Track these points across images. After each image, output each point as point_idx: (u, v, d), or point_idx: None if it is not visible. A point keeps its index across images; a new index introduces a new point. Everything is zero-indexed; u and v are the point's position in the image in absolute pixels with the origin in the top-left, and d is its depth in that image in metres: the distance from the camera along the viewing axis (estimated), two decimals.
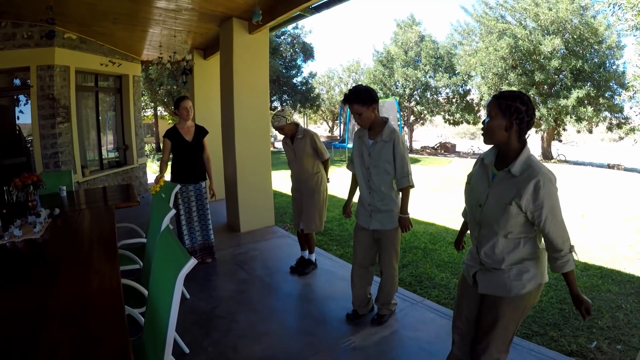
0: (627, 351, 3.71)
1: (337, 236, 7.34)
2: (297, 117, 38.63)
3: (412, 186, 3.65)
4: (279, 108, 4.84)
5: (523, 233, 2.29)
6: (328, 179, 5.12)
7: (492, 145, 2.40)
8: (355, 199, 4.12)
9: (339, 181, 11.95)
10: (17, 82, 7.56)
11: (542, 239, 2.33)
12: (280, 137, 5.01)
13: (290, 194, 5.37)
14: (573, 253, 2.27)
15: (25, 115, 7.61)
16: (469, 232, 2.72)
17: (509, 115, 2.18)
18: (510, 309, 2.36)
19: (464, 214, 2.83)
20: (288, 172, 5.31)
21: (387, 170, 3.61)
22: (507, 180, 2.25)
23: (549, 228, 2.19)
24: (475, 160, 2.58)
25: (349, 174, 4.15)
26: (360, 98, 3.50)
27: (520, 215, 2.21)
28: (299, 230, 5.24)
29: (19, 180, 3.88)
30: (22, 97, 7.65)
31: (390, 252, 3.81)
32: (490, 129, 2.26)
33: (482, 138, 2.38)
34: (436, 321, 4.01)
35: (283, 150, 5.19)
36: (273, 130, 5.61)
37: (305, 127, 4.82)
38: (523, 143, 2.28)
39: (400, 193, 3.73)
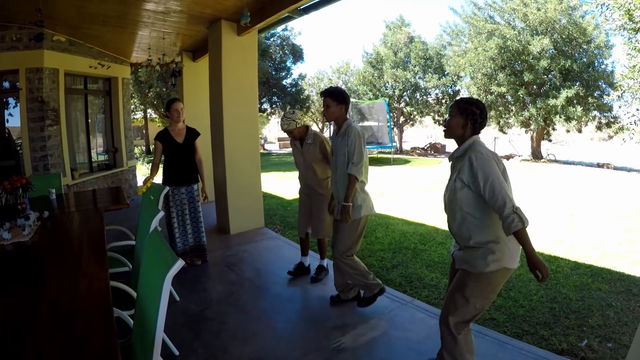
0: (617, 349, 3.74)
1: (329, 238, 7.35)
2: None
3: (357, 178, 3.83)
4: (289, 109, 4.79)
5: (480, 211, 2.62)
6: None
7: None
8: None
9: None
10: (6, 84, 7.52)
11: None
12: (270, 138, 5.00)
13: (279, 195, 5.37)
14: (517, 213, 2.42)
15: (14, 118, 7.57)
16: None
17: (466, 116, 2.68)
18: (472, 283, 2.67)
19: None
20: (278, 174, 5.34)
21: (343, 162, 3.92)
22: (454, 164, 2.80)
23: (488, 195, 2.49)
24: None
25: None
26: (334, 94, 4.00)
27: (464, 188, 2.62)
28: (302, 236, 5.19)
29: (8, 183, 3.87)
30: (11, 100, 7.61)
31: (340, 242, 4.08)
32: (450, 125, 2.76)
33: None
34: (426, 321, 4.04)
35: (271, 151, 5.18)
36: (262, 132, 5.59)
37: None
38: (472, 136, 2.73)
39: (363, 188, 4.00)
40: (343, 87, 42.90)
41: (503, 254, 2.58)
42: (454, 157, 2.79)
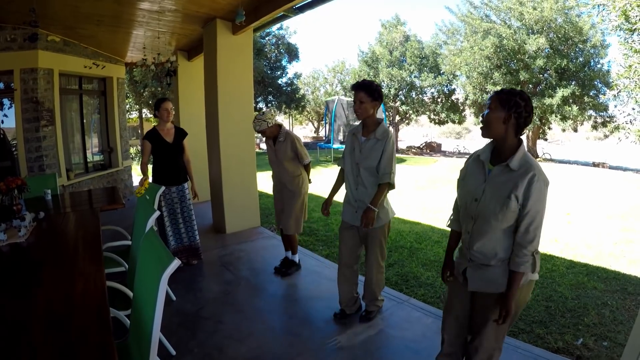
0: (613, 347, 3.77)
1: (323, 236, 7.37)
2: (282, 118, 38.48)
3: (392, 185, 3.66)
4: (261, 110, 4.81)
5: (511, 229, 2.31)
6: (310, 179, 5.13)
7: (489, 141, 2.46)
8: (340, 198, 4.11)
9: (325, 181, 11.94)
10: (0, 85, 7.50)
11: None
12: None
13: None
14: (535, 258, 2.29)
15: (9, 119, 7.54)
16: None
17: (508, 109, 2.26)
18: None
19: (452, 223, 2.79)
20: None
21: (375, 167, 3.64)
22: (504, 174, 2.29)
23: (525, 224, 2.23)
24: (464, 158, 2.59)
25: (336, 173, 4.19)
26: (369, 89, 3.60)
27: (517, 208, 2.24)
28: (281, 229, 5.24)
29: (4, 184, 3.85)
30: (5, 101, 7.58)
31: (376, 250, 3.84)
32: (489, 120, 2.33)
33: (467, 138, 2.50)
34: (422, 320, 4.05)
35: (266, 150, 5.19)
36: None
37: (291, 128, 4.77)
38: (519, 140, 2.35)
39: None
40: (339, 86, 42.99)
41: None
42: (505, 166, 2.30)
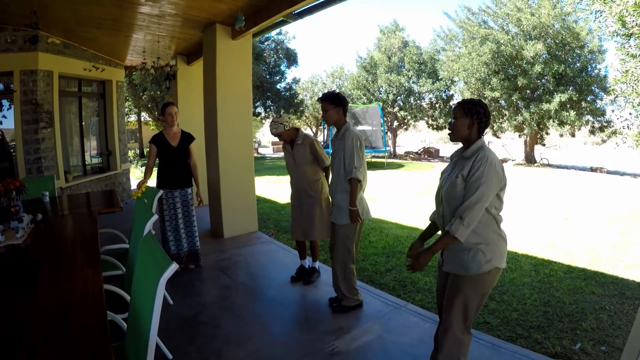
0: (611, 352, 3.76)
1: (322, 242, 7.34)
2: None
3: (358, 180, 3.94)
4: (277, 115, 4.81)
5: None
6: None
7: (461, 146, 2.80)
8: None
9: None
10: (0, 86, 7.50)
11: (499, 225, 2.69)
12: (264, 142, 5.00)
13: (275, 200, 5.36)
14: (462, 222, 2.51)
15: (8, 120, 7.54)
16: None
17: (471, 115, 2.65)
18: (468, 287, 2.67)
19: (432, 216, 3.07)
20: (272, 178, 5.34)
21: (339, 165, 4.02)
22: (460, 162, 2.71)
23: (468, 191, 2.55)
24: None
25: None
26: (329, 98, 4.13)
27: (463, 185, 2.59)
28: (297, 239, 5.16)
29: (2, 185, 3.85)
30: (5, 102, 7.58)
31: (339, 247, 4.16)
32: (456, 127, 2.71)
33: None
34: (419, 325, 4.04)
35: (265, 155, 5.18)
36: (256, 136, 5.59)
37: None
38: (481, 138, 2.72)
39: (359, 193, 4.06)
40: (337, 91, 43.09)
41: (493, 254, 2.62)
42: (460, 156, 2.72)
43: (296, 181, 4.89)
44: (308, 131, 50.85)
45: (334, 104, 4.10)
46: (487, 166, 2.51)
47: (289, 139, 4.81)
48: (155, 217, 3.25)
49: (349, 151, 3.94)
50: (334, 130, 4.26)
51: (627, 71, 14.86)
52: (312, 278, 5.18)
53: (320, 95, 4.20)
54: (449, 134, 2.82)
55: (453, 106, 2.81)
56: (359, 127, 25.56)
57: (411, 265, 2.72)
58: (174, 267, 2.01)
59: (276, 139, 5.16)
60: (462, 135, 2.69)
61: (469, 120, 2.64)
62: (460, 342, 2.76)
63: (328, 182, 4.95)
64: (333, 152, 4.14)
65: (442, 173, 2.90)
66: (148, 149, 5.50)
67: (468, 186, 2.54)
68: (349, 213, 3.99)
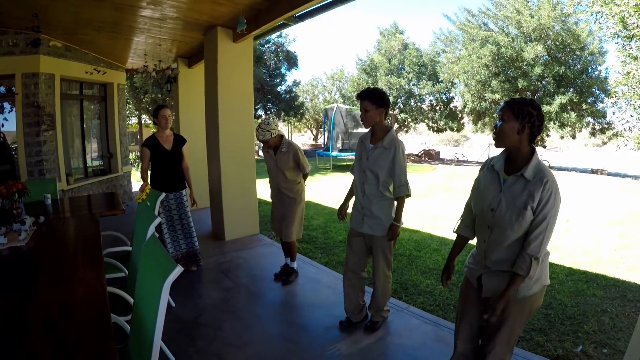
0: (613, 355, 3.77)
1: (322, 244, 7.36)
2: (281, 126, 38.47)
3: (409, 195, 3.66)
4: (264, 119, 4.82)
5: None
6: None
7: (502, 150, 2.48)
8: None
9: (324, 189, 11.94)
10: (1, 89, 7.51)
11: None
12: None
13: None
14: (533, 264, 2.28)
15: (9, 123, 7.56)
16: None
17: (522, 119, 2.28)
18: (516, 311, 2.42)
19: (461, 229, 2.81)
20: None
21: (381, 176, 3.63)
22: (519, 184, 2.32)
23: (535, 229, 2.27)
24: (462, 166, 2.65)
25: (334, 181, 4.27)
26: (373, 97, 3.59)
27: (532, 217, 2.28)
28: (280, 237, 5.23)
29: (4, 187, 3.86)
30: (6, 105, 7.60)
31: (381, 259, 3.83)
32: (503, 131, 2.35)
33: (465, 145, 2.57)
34: (421, 328, 4.04)
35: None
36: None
37: (289, 135, 4.79)
38: (532, 148, 2.37)
39: (395, 202, 3.72)
40: (337, 94, 43.03)
41: (542, 272, 2.40)
42: (519, 175, 2.33)
43: (277, 183, 5.04)
44: (308, 134, 50.97)
45: (377, 104, 3.60)
46: (556, 195, 2.26)
47: (274, 144, 4.89)
48: (159, 219, 3.26)
49: (399, 165, 3.58)
50: (373, 133, 3.76)
51: (628, 73, 14.86)
52: (290, 278, 5.25)
53: (358, 92, 3.73)
54: (494, 139, 2.46)
55: (500, 106, 2.39)
56: (359, 130, 25.54)
57: (488, 319, 2.36)
58: (178, 270, 2.01)
59: None
60: (511, 142, 2.35)
61: (519, 124, 2.29)
62: None
63: (305, 182, 5.14)
64: (373, 159, 3.67)
65: (478, 182, 2.61)
66: (140, 152, 5.49)
67: (537, 220, 2.27)
68: (391, 227, 3.68)
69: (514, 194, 2.33)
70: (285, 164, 4.85)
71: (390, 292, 4.10)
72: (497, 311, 2.33)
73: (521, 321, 2.48)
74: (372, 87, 3.71)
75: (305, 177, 5.14)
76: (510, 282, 2.32)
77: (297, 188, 4.96)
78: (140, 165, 5.54)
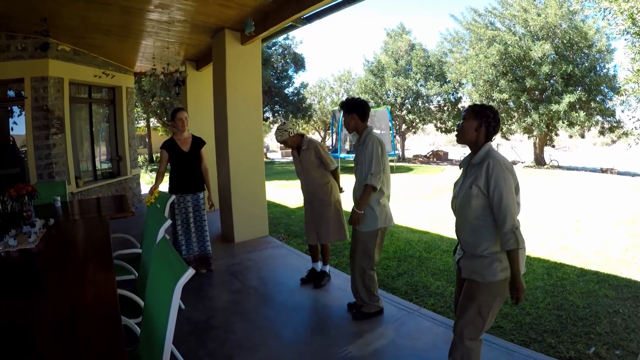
0: (625, 356, 3.72)
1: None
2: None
3: (374, 187, 3.86)
4: (281, 122, 4.83)
5: (491, 220, 2.61)
6: (341, 188, 5.06)
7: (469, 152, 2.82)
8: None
9: None
10: (11, 93, 7.58)
11: None
12: (272, 147, 5.01)
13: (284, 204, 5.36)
14: (515, 234, 2.48)
15: (19, 127, 7.62)
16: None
17: (480, 118, 2.67)
18: (483, 294, 2.68)
19: None
20: (281, 183, 5.34)
21: (361, 170, 3.98)
22: (470, 170, 2.72)
23: (495, 205, 2.55)
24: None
25: (343, 182, 4.37)
26: (343, 105, 4.17)
27: (480, 196, 2.61)
28: (310, 244, 5.19)
29: (14, 190, 3.88)
30: (15, 109, 7.67)
31: (359, 253, 4.09)
32: (463, 128, 2.74)
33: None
34: (433, 329, 4.02)
35: (274, 160, 5.20)
36: (266, 140, 5.60)
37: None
38: (488, 143, 2.73)
39: (380, 200, 3.99)
40: (345, 95, 42.98)
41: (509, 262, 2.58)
42: (470, 164, 2.74)
43: (306, 186, 4.97)
44: (316, 136, 50.99)
45: (348, 111, 4.09)
46: (498, 167, 2.53)
47: (295, 145, 4.88)
48: (169, 222, 3.25)
49: (368, 157, 3.89)
50: (359, 135, 4.17)
51: (638, 70, 14.75)
52: (322, 282, 5.18)
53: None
54: (456, 135, 2.85)
55: (463, 109, 2.75)
56: None
57: (517, 299, 2.55)
58: (190, 272, 2.00)
59: None
60: (469, 137, 2.72)
61: (477, 122, 2.67)
62: (470, 350, 2.77)
63: (338, 184, 5.03)
64: (356, 158, 4.13)
65: (455, 185, 2.92)
66: (159, 155, 5.53)
67: (493, 197, 2.54)
68: (351, 214, 3.99)
69: (466, 179, 2.75)
70: (308, 163, 4.82)
71: (372, 290, 4.22)
72: (518, 288, 2.53)
73: (488, 305, 2.68)
74: (349, 98, 4.08)
75: (335, 176, 5.01)
76: (511, 260, 2.53)
77: (325, 188, 4.85)
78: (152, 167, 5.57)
